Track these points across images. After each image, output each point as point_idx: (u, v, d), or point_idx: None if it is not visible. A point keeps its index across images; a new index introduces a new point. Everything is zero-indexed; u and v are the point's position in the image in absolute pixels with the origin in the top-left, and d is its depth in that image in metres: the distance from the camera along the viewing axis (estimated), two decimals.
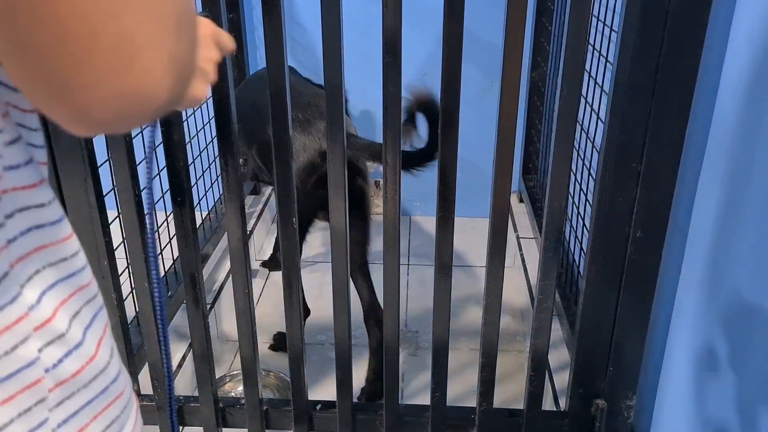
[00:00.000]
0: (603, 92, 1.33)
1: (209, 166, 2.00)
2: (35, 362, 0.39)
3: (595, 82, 1.38)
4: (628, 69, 0.96)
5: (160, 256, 1.47)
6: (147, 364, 1.25)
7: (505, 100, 1.00)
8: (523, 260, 1.94)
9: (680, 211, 1.06)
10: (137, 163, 1.13)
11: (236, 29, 2.09)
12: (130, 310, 1.29)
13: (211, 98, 1.03)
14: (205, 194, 1.97)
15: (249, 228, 2.14)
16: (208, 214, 1.98)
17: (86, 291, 0.44)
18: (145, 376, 1.28)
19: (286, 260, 1.12)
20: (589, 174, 1.43)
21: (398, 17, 0.94)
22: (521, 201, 2.30)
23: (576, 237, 1.55)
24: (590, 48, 1.41)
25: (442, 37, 0.95)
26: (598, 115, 1.35)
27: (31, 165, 0.41)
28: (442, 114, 1.00)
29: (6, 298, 0.37)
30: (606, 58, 1.31)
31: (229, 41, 0.76)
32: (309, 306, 1.75)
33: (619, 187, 1.03)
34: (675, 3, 0.91)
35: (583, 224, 1.47)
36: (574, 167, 1.50)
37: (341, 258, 1.10)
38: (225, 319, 1.86)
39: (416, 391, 1.66)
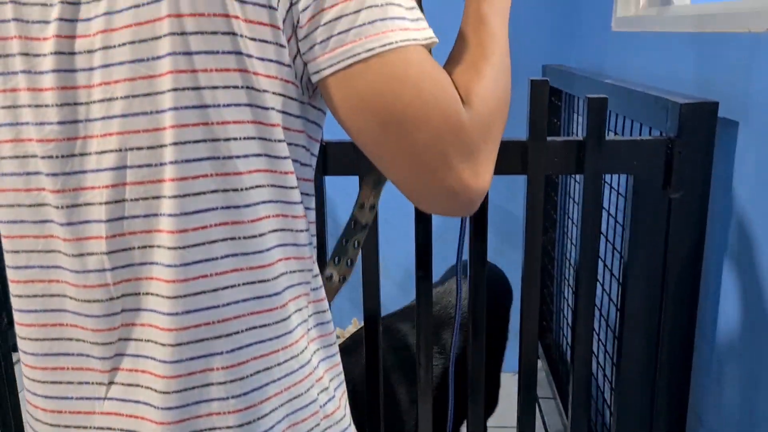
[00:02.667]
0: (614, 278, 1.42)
1: None
2: (315, 401, 0.66)
3: (608, 269, 1.48)
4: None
5: None
6: None
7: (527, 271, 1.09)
8: (544, 423, 1.95)
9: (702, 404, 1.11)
10: None
11: None
12: None
13: None
14: None
15: None
16: None
17: (338, 367, 0.71)
18: None
19: None
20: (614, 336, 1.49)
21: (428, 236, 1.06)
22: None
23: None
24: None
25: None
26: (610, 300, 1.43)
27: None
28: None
29: (305, 362, 0.65)
30: (614, 248, 1.42)
31: None
32: None
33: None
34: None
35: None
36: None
37: None
38: None
39: None
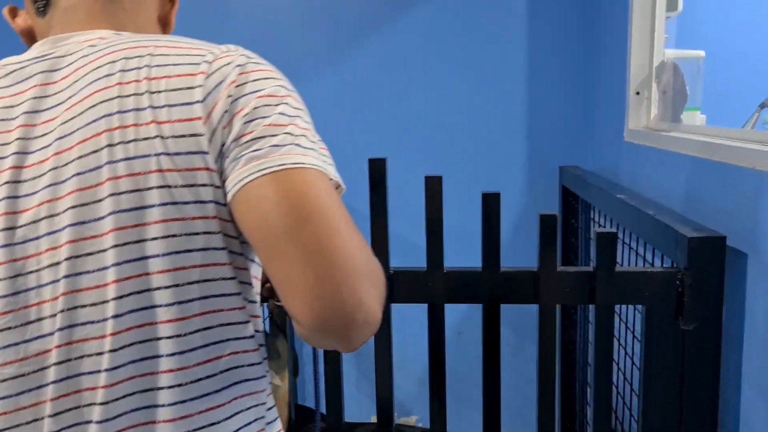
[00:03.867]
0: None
1: None
2: None
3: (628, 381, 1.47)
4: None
5: None
6: None
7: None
8: None
9: None
10: None
11: None
12: None
13: None
14: None
15: None
16: None
17: None
18: None
19: None
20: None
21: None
22: None
23: None
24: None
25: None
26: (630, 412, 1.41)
27: None
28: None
29: None
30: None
31: None
32: None
33: None
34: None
35: None
36: None
37: None
38: None
39: None
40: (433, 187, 1.07)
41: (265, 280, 0.78)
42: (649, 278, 1.04)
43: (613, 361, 1.55)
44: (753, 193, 1.02)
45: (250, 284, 0.68)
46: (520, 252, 1.95)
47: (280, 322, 0.87)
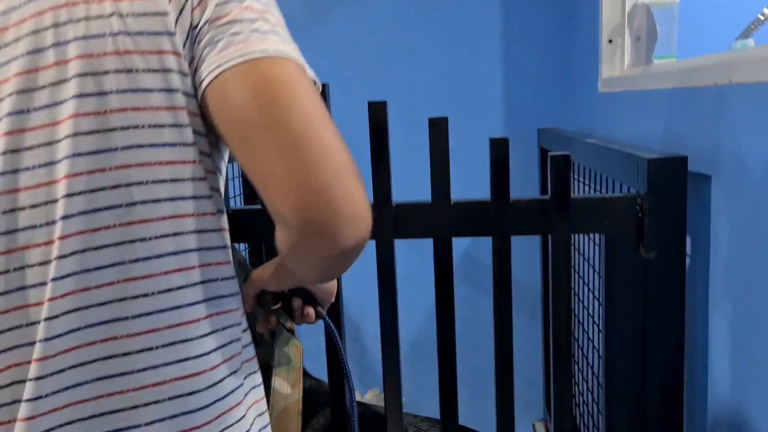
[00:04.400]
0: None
1: None
2: None
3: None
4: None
5: None
6: None
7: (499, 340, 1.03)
8: None
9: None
10: None
11: None
12: None
13: None
14: None
15: None
16: None
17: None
18: None
19: None
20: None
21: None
22: (547, 430, 2.21)
23: None
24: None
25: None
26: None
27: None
28: None
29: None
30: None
31: None
32: None
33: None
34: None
35: None
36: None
37: None
38: None
39: None
40: (440, 126, 1.01)
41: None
42: (607, 205, 0.99)
43: (576, 296, 1.50)
44: (715, 111, 0.97)
45: (219, 192, 0.62)
46: None
47: (289, 326, 0.81)
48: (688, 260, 1.02)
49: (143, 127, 0.55)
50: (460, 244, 2.18)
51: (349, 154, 0.56)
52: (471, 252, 2.08)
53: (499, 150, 0.99)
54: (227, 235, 0.62)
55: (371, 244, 1.03)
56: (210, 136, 0.60)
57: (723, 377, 0.96)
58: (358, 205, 0.54)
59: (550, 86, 2.10)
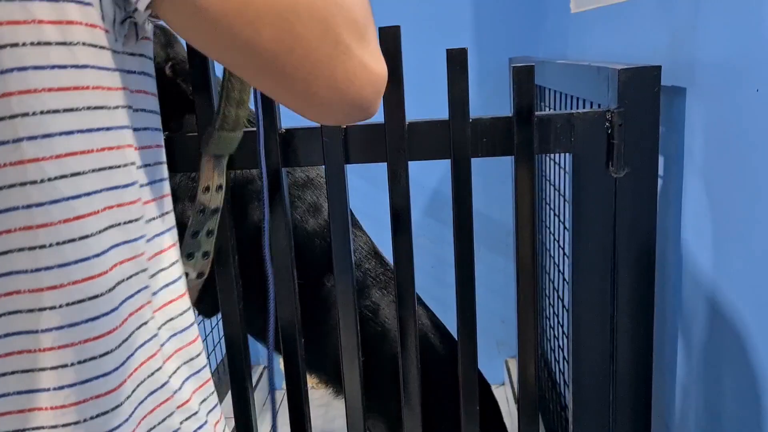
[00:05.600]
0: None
1: None
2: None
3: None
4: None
5: None
6: None
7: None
8: None
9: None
10: None
11: None
12: None
13: None
14: None
15: None
16: None
17: (208, 384, 0.61)
18: None
19: None
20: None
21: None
22: None
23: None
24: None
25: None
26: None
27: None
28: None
29: (159, 385, 0.55)
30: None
31: None
32: None
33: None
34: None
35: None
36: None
37: None
38: None
39: None
40: (459, 57, 0.91)
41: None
42: (575, 121, 0.91)
43: (546, 229, 1.44)
44: (691, 17, 0.88)
45: (129, 108, 0.52)
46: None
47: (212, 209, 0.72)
48: (660, 182, 0.96)
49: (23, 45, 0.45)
50: (426, 180, 2.11)
51: (351, 14, 0.47)
52: (439, 187, 2.01)
53: (456, 61, 0.90)
54: (135, 170, 0.53)
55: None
56: (118, 50, 0.50)
57: (696, 302, 0.91)
58: (380, 82, 0.51)
59: (519, 12, 1.99)
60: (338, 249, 0.97)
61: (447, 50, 0.90)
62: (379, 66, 0.50)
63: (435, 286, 1.97)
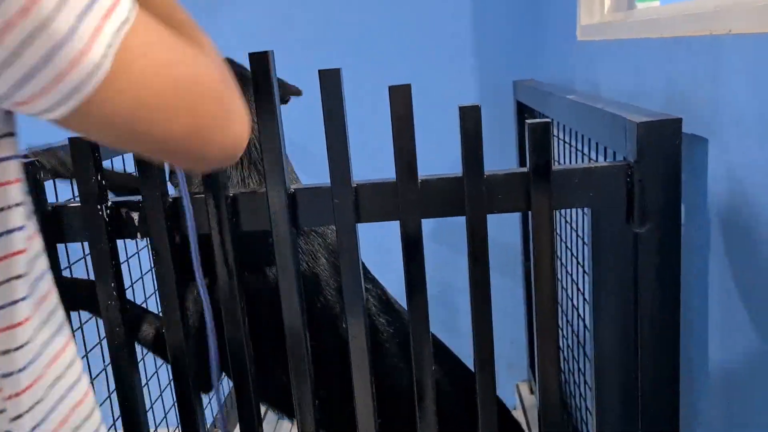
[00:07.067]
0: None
1: None
2: None
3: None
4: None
5: None
6: None
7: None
8: None
9: None
10: None
11: None
12: None
13: None
14: None
15: None
16: None
17: None
18: None
19: None
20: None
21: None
22: (532, 392, 2.16)
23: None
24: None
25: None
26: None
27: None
28: None
29: None
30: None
31: None
32: None
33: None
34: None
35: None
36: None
37: None
38: None
39: None
40: (472, 114, 0.88)
41: None
42: (593, 175, 0.88)
43: (558, 259, 1.41)
44: (711, 64, 0.85)
45: None
46: None
47: None
48: (682, 230, 0.93)
49: None
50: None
51: (215, 86, 0.50)
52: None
53: (470, 118, 0.87)
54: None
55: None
56: None
57: (721, 358, 0.88)
58: (239, 131, 0.53)
59: (524, 35, 1.96)
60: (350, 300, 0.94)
61: (459, 107, 0.87)
62: (246, 116, 0.54)
63: (442, 311, 1.94)
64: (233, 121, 0.52)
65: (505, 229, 1.97)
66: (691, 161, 0.91)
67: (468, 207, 0.89)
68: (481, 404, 0.95)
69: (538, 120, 0.86)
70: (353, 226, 0.91)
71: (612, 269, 0.90)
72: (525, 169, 0.89)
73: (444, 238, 1.95)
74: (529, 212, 0.90)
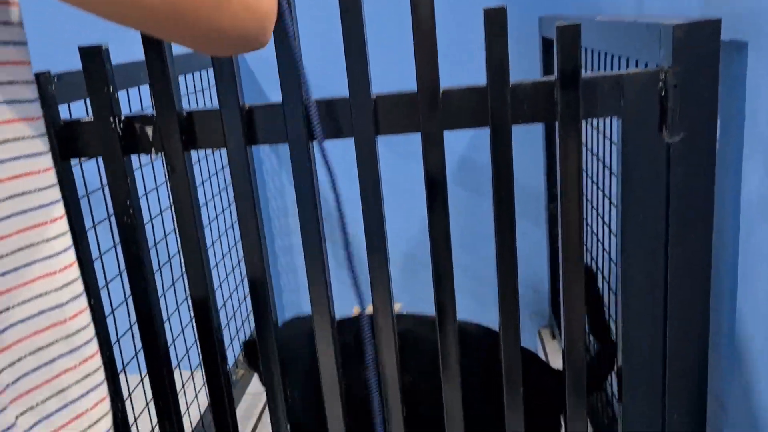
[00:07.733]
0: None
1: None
2: None
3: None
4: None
5: None
6: None
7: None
8: None
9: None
10: None
11: None
12: None
13: None
14: None
15: None
16: None
17: None
18: None
19: None
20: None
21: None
22: (554, 337, 2.14)
23: None
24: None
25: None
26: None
27: None
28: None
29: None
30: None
31: None
32: None
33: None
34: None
35: None
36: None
37: None
38: None
39: None
40: (497, 17, 0.83)
41: None
42: (624, 82, 0.84)
43: (587, 201, 1.37)
44: None
45: None
46: None
47: None
48: (717, 145, 0.88)
49: None
50: (454, 146, 2.03)
51: None
52: (468, 154, 1.93)
53: (495, 22, 0.83)
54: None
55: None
56: None
57: (756, 282, 0.84)
58: (262, 11, 0.53)
59: None
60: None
61: (484, 10, 0.82)
62: (262, 5, 0.53)
63: (464, 256, 1.91)
64: (231, 4, 0.49)
65: (523, 171, 1.92)
66: (728, 68, 0.86)
67: (492, 117, 0.85)
68: (504, 344, 0.93)
69: (567, 23, 0.82)
70: (373, 140, 0.88)
71: (642, 182, 0.86)
72: (552, 77, 0.85)
73: (465, 182, 1.92)
74: (556, 124, 0.86)
